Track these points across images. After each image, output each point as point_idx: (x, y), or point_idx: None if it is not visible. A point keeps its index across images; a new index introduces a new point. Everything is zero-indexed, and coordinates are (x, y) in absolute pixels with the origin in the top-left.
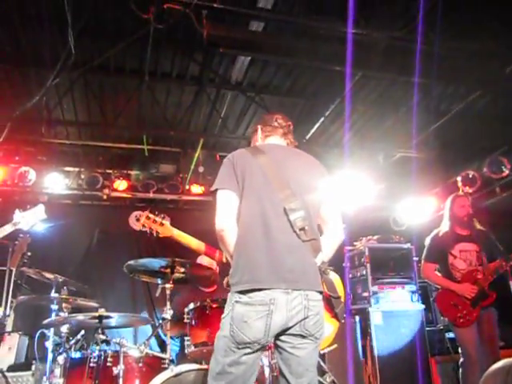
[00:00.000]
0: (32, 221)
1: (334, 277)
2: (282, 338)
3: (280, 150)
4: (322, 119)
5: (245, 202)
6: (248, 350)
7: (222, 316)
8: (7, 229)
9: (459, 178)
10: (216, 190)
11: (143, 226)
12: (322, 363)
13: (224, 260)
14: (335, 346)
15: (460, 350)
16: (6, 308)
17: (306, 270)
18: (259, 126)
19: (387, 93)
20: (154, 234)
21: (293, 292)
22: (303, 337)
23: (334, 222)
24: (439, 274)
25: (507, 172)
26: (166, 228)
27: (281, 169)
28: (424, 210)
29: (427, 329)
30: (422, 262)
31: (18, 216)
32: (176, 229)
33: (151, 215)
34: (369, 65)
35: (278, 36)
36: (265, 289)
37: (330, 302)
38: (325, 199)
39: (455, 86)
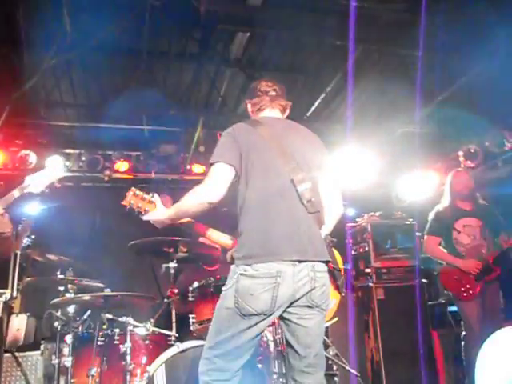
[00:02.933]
0: (43, 182)
1: (334, 250)
2: (289, 309)
3: (279, 122)
4: (324, 95)
5: (251, 175)
6: (253, 322)
7: (224, 288)
8: (15, 194)
9: (461, 153)
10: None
11: (130, 204)
12: (324, 337)
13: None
14: (336, 319)
15: (463, 324)
16: (12, 290)
17: (314, 241)
18: (247, 101)
19: (389, 67)
20: (143, 213)
21: (299, 264)
22: (310, 307)
23: (334, 196)
24: (443, 249)
25: (510, 146)
26: (155, 206)
27: (283, 141)
28: (426, 185)
29: (429, 303)
30: (425, 236)
31: (28, 180)
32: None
33: (139, 192)
34: (371, 38)
35: (277, 10)
36: (276, 261)
37: (333, 274)
38: (325, 173)
39: (458, 60)
